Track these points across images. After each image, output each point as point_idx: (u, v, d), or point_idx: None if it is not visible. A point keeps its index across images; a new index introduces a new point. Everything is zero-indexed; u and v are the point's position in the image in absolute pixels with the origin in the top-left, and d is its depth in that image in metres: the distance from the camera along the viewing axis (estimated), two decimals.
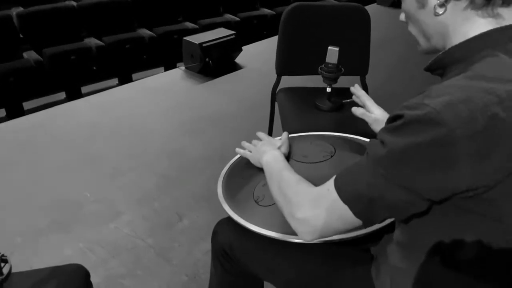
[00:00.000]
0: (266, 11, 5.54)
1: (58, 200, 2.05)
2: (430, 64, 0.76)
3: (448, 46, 0.72)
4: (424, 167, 0.61)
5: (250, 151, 1.16)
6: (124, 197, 2.07)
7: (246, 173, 1.14)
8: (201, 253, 1.75)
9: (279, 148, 1.08)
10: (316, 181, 1.00)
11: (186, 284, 1.62)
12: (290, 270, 0.98)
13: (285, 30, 1.94)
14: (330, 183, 0.74)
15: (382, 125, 1.10)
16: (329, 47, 1.68)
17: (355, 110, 1.22)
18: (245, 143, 1.21)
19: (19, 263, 1.69)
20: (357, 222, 0.71)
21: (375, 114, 1.19)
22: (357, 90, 1.29)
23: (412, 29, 0.80)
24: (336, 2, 1.93)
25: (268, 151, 1.03)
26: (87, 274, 1.08)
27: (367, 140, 1.25)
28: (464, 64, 0.68)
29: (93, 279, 1.10)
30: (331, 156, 1.12)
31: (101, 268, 1.68)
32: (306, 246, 0.92)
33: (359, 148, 1.19)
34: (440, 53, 0.74)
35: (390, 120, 0.67)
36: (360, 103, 1.27)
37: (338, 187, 0.72)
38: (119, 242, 1.80)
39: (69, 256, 1.73)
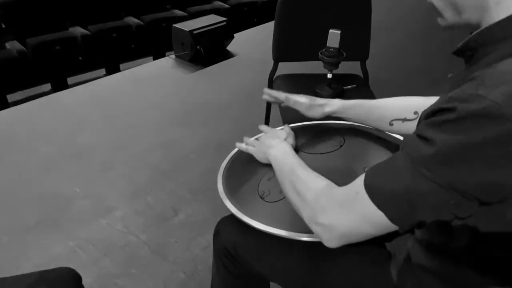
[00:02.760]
0: None
1: (46, 196, 1.95)
2: (463, 45, 0.66)
3: (486, 22, 0.62)
4: (481, 167, 0.53)
5: (254, 146, 1.08)
6: (116, 192, 1.98)
7: (249, 167, 1.06)
8: (199, 249, 1.68)
9: (285, 140, 1.00)
10: (329, 174, 0.91)
11: (184, 282, 1.55)
12: (299, 271, 0.91)
13: (282, 13, 1.84)
14: (359, 185, 0.66)
15: (317, 110, 1.11)
16: (330, 30, 1.59)
17: (287, 101, 1.16)
18: (247, 138, 1.13)
19: (5, 264, 1.60)
20: (392, 227, 0.63)
21: (304, 101, 1.14)
22: (269, 92, 1.22)
23: (437, 0, 0.69)
24: None
25: (275, 145, 0.96)
26: (78, 278, 0.99)
27: (374, 128, 1.18)
28: (507, 44, 0.59)
29: (85, 279, 1.02)
30: (341, 146, 1.04)
31: (93, 267, 1.59)
32: (317, 244, 0.85)
33: (368, 136, 1.12)
34: (477, 31, 0.63)
35: (432, 113, 0.58)
36: (281, 101, 1.20)
37: (370, 191, 0.64)
38: (111, 239, 1.72)
39: (58, 255, 1.64)
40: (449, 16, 0.68)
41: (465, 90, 0.55)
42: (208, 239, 1.71)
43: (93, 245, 1.69)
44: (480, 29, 0.63)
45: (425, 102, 1.02)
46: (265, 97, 1.23)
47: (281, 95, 1.19)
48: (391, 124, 1.04)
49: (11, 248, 1.68)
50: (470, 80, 0.56)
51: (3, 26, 3.96)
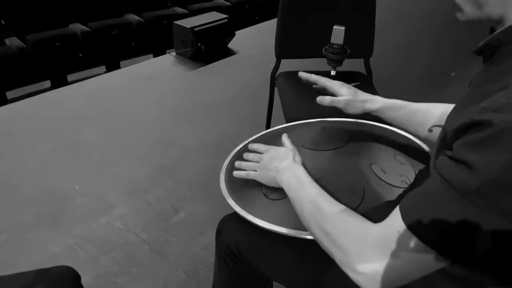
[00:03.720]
0: None
1: (45, 193, 1.92)
2: (484, 44, 0.63)
3: (509, 16, 0.59)
4: None
5: (255, 170, 0.95)
6: (115, 189, 1.95)
7: None
8: (200, 248, 1.65)
9: (293, 159, 0.90)
10: (334, 172, 0.89)
11: (184, 282, 1.52)
12: (304, 270, 0.88)
13: (285, 9, 1.82)
14: (397, 222, 0.59)
15: (356, 106, 1.01)
16: (334, 26, 1.56)
17: (322, 100, 1.04)
18: (243, 162, 0.98)
19: (3, 262, 1.58)
20: (444, 264, 0.58)
21: (344, 96, 1.03)
22: (306, 75, 1.12)
23: None
24: None
25: (285, 168, 0.87)
26: (77, 277, 0.97)
27: (380, 125, 1.15)
28: None
29: (84, 278, 1.00)
30: (346, 143, 1.02)
31: (92, 266, 1.57)
32: None
33: (373, 132, 1.09)
34: (501, 29, 0.60)
35: (465, 129, 0.53)
36: (320, 88, 1.10)
37: (415, 229, 0.57)
38: (110, 238, 1.69)
39: (57, 254, 1.62)
40: (469, 11, 0.64)
41: (499, 99, 0.52)
42: (209, 237, 1.69)
43: (92, 243, 1.67)
44: (504, 27, 0.60)
45: None
46: (302, 75, 1.14)
47: (320, 79, 1.09)
48: (430, 130, 0.97)
49: (9, 246, 1.65)
50: (503, 89, 0.53)
51: (3, 22, 3.93)
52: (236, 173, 0.98)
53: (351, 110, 1.03)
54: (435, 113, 0.96)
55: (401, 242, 0.58)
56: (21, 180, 2.01)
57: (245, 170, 0.97)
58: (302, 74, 1.13)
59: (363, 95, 1.03)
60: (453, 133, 0.57)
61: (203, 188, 1.94)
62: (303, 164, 0.89)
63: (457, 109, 0.68)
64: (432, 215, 0.56)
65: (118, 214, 1.81)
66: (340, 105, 1.03)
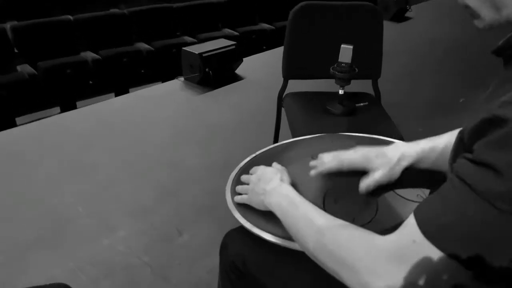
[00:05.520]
0: (266, 26, 5.49)
1: (47, 214, 1.89)
2: (504, 42, 0.60)
3: None
4: None
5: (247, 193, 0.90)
6: (119, 211, 1.91)
7: None
8: (204, 271, 1.59)
9: (281, 179, 0.84)
10: (350, 185, 0.86)
11: None
12: (315, 286, 0.83)
13: (293, 31, 1.82)
14: (412, 231, 0.54)
15: (396, 169, 0.86)
16: (342, 45, 1.56)
17: (367, 188, 0.88)
18: (238, 187, 0.93)
19: (2, 283, 1.53)
20: (464, 275, 0.54)
21: (378, 168, 0.89)
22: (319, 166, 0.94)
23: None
24: (346, 1, 1.83)
25: (272, 190, 0.82)
26: None
27: (388, 139, 1.12)
28: None
29: None
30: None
31: None
32: None
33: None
34: None
35: (485, 125, 0.50)
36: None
37: (433, 238, 0.53)
38: (112, 260, 1.64)
39: (57, 276, 1.56)
40: (487, 15, 0.60)
41: None
42: (213, 260, 1.61)
43: (93, 266, 1.62)
44: None
45: None
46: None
47: (329, 166, 0.93)
48: None
49: (9, 267, 1.60)
50: None
51: (16, 50, 4.02)
52: (237, 198, 0.91)
53: (395, 178, 0.90)
54: None
55: (417, 253, 0.53)
56: (24, 201, 1.98)
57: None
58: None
59: (391, 154, 0.90)
60: (472, 132, 0.53)
61: (208, 210, 1.89)
62: (293, 184, 0.84)
63: (476, 109, 0.65)
64: (452, 222, 0.52)
65: (121, 236, 1.77)
66: (384, 182, 0.89)
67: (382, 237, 0.59)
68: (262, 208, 0.85)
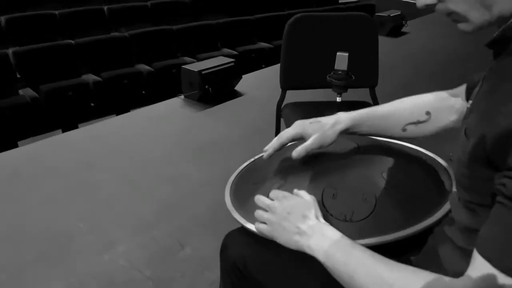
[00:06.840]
0: (264, 44, 5.56)
1: (48, 230, 1.87)
2: (499, 34, 0.59)
3: None
4: None
5: (266, 223, 0.80)
6: (120, 226, 1.90)
7: (258, 177, 0.99)
8: (206, 284, 1.57)
9: (316, 216, 0.75)
10: (348, 180, 0.85)
11: None
12: (317, 286, 0.81)
13: (289, 42, 1.85)
14: (488, 271, 0.52)
15: (329, 135, 0.88)
16: (337, 53, 1.58)
17: (298, 154, 0.90)
18: (258, 213, 0.81)
19: None
20: None
21: (311, 134, 0.92)
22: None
23: (456, 4, 0.60)
24: (340, 12, 1.85)
25: (309, 229, 0.73)
26: None
27: (391, 140, 1.12)
28: None
29: None
30: (356, 154, 0.98)
31: None
32: None
33: (381, 144, 1.06)
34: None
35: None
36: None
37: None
38: (113, 275, 1.62)
39: None
40: (477, 17, 0.59)
41: None
42: (215, 273, 1.59)
43: (94, 281, 1.60)
44: None
45: (436, 99, 0.96)
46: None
47: (273, 146, 0.96)
48: (404, 130, 0.94)
49: (10, 284, 1.59)
50: None
51: (18, 75, 4.07)
52: (256, 225, 0.82)
53: (328, 143, 0.92)
54: (404, 112, 0.94)
55: None
56: (25, 218, 1.97)
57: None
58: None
59: (326, 120, 0.93)
60: (499, 144, 0.51)
61: (210, 223, 1.88)
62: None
63: (481, 108, 0.63)
64: None
65: (122, 250, 1.75)
66: (315, 146, 0.91)
67: (456, 280, 0.56)
68: (292, 247, 0.75)
